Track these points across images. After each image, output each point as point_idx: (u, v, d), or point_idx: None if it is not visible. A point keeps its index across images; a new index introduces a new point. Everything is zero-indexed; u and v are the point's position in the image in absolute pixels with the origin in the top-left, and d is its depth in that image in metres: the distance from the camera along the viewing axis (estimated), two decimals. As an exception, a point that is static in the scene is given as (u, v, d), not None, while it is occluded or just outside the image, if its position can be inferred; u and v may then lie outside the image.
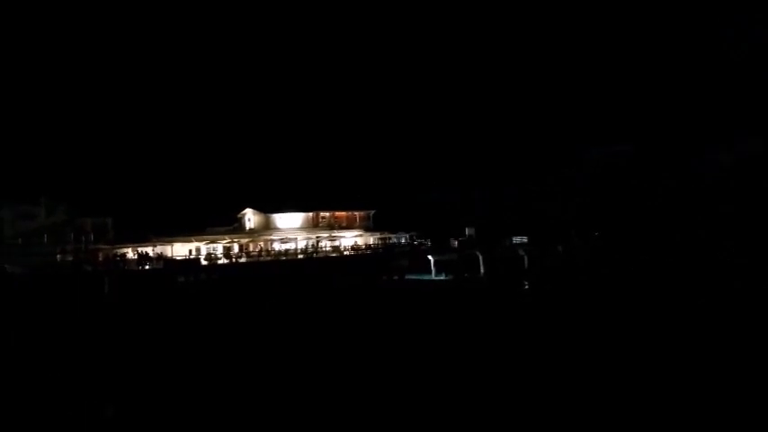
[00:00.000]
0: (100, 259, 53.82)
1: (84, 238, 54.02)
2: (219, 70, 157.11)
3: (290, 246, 64.68)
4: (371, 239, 68.50)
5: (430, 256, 60.13)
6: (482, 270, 55.17)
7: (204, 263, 56.39)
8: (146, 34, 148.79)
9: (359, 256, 63.52)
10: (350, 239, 67.49)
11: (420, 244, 66.06)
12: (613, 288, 34.46)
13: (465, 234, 65.33)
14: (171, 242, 59.18)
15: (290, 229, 67.05)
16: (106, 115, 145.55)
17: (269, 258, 61.07)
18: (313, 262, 59.54)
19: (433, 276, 58.10)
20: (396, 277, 58.37)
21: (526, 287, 42.35)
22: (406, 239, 68.91)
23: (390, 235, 69.15)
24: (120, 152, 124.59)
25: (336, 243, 66.60)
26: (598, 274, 43.30)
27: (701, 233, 63.57)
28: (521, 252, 56.76)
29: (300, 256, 62.09)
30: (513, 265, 54.00)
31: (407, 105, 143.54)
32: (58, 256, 50.69)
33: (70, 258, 51.46)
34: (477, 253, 56.84)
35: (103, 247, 55.83)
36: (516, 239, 61.07)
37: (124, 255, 55.91)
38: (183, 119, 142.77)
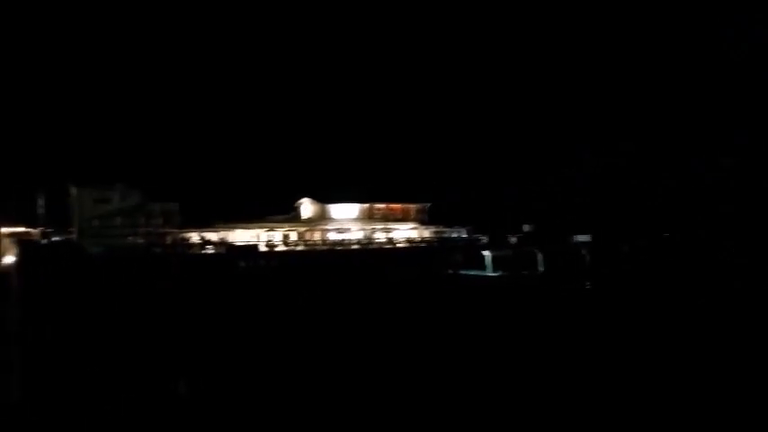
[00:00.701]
0: (167, 242, 56.41)
1: (153, 223, 56.83)
2: (281, 65, 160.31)
3: (345, 236, 65.63)
4: (426, 233, 68.51)
5: (486, 252, 59.57)
6: (540, 268, 54.29)
7: (263, 249, 58.02)
8: (210, 30, 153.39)
9: (413, 249, 63.66)
10: (404, 232, 67.76)
11: (476, 239, 65.51)
12: (683, 291, 33.33)
13: (522, 230, 64.36)
14: (232, 228, 61.24)
15: (346, 220, 67.99)
16: (177, 109, 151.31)
17: (324, 248, 62.23)
18: (367, 253, 60.15)
19: (488, 272, 57.55)
20: (450, 272, 58.15)
21: (588, 287, 41.39)
22: (461, 234, 68.49)
23: (445, 229, 68.89)
24: (188, 143, 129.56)
25: (391, 235, 67.03)
26: (665, 275, 41.95)
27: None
28: (582, 251, 55.53)
29: (355, 247, 62.90)
30: (573, 264, 52.76)
31: (465, 102, 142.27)
32: (130, 238, 53.46)
33: (141, 240, 54.21)
34: (536, 250, 55.96)
35: (171, 231, 58.45)
36: (578, 238, 59.68)
37: (189, 239, 58.36)
38: (248, 112, 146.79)
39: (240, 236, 60.75)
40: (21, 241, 46.10)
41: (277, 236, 62.92)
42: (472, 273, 57.10)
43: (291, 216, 67.52)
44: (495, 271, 57.20)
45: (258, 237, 61.45)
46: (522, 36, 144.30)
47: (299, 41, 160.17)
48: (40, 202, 56.04)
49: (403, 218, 70.40)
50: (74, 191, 60.28)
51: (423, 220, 70.08)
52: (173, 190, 62.44)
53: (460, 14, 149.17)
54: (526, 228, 65.05)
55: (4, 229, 75.29)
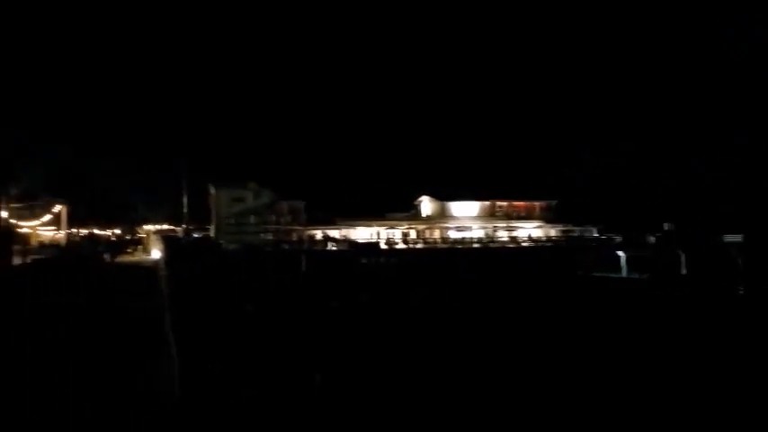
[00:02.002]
0: (294, 239, 58.91)
1: (282, 220, 59.75)
2: (402, 63, 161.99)
3: (466, 234, 64.44)
4: (552, 231, 65.33)
5: (620, 253, 55.44)
6: (684, 271, 49.38)
7: (384, 246, 58.56)
8: (326, 31, 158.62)
9: (538, 248, 61.01)
10: (528, 230, 65.12)
11: (608, 238, 61.27)
12: None
13: (663, 229, 59.03)
14: (354, 226, 62.54)
15: (466, 218, 66.69)
16: (302, 111, 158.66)
17: (444, 246, 61.56)
18: (488, 251, 58.51)
19: (623, 275, 53.49)
20: (580, 273, 54.80)
21: (741, 293, 36.76)
22: (591, 233, 64.43)
23: (574, 228, 65.15)
24: (312, 143, 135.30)
25: (514, 234, 64.76)
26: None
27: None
28: (733, 252, 49.70)
29: (476, 245, 61.56)
30: (722, 267, 47.32)
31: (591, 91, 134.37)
32: (261, 234, 56.59)
33: (270, 237, 57.16)
34: (679, 251, 51.00)
35: (297, 228, 61.03)
36: (729, 238, 53.58)
37: (314, 236, 60.52)
38: (368, 110, 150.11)
39: (361, 233, 61.88)
40: (166, 237, 50.20)
41: (397, 233, 63.30)
42: (605, 275, 53.42)
43: (411, 214, 67.54)
44: (630, 273, 53.08)
45: (378, 234, 62.20)
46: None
47: (415, 37, 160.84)
48: (184, 201, 60.93)
49: (527, 215, 67.68)
50: (213, 191, 64.97)
51: (549, 218, 66.82)
52: (299, 188, 64.93)
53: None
54: (666, 226, 59.57)
55: (153, 227, 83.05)
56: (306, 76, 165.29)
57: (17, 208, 46.92)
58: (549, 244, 62.40)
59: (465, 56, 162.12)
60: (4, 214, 33.67)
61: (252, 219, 59.76)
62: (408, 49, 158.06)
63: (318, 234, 60.88)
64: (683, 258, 50.05)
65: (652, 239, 56.75)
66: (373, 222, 62.85)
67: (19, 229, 50.06)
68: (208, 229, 69.37)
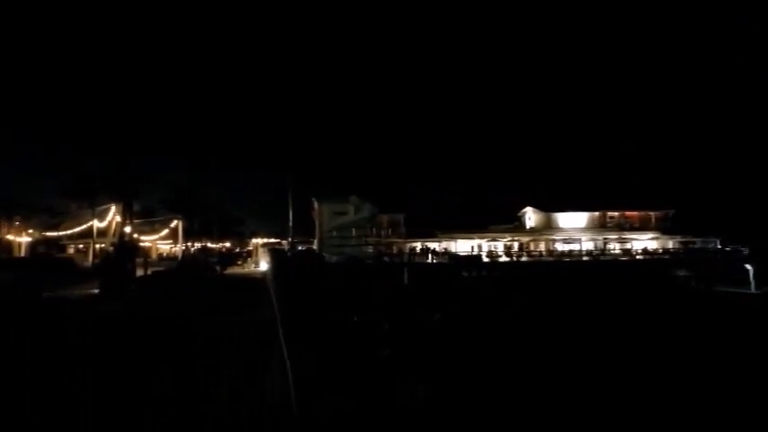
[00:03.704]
0: (394, 251, 58.92)
1: (382, 233, 60.07)
2: (507, 72, 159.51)
3: (574, 246, 61.30)
4: (670, 243, 60.55)
5: (748, 266, 50.35)
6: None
7: (486, 260, 57.03)
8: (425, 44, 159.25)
9: (654, 261, 56.80)
10: (643, 242, 60.79)
11: (734, 250, 55.81)
12: None
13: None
14: (455, 238, 61.48)
15: (574, 229, 63.44)
16: (400, 128, 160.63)
17: (550, 259, 58.91)
18: (599, 264, 55.22)
19: (752, 289, 48.47)
20: (702, 287, 50.30)
21: None
22: (713, 244, 59.04)
23: (694, 239, 59.99)
24: (413, 155, 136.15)
25: (627, 246, 60.71)
26: None
27: None
28: None
29: (585, 258, 58.35)
30: None
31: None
32: (362, 247, 57.21)
33: (370, 250, 57.58)
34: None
35: (397, 240, 61.02)
36: None
37: (414, 248, 60.24)
38: (468, 123, 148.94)
39: (462, 246, 60.72)
40: (272, 250, 51.99)
41: (499, 246, 61.50)
42: (730, 290, 48.66)
43: (514, 226, 65.38)
44: (759, 288, 48.08)
45: (480, 247, 60.75)
46: None
47: (522, 48, 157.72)
48: (290, 215, 63.09)
49: (641, 226, 63.23)
50: (316, 205, 66.81)
51: (665, 229, 62.02)
52: (399, 201, 64.97)
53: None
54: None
55: (260, 240, 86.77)
56: (407, 90, 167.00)
57: (139, 223, 50.67)
58: (666, 257, 57.92)
59: (567, 60, 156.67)
60: (128, 229, 36.21)
61: (353, 232, 60.56)
62: (509, 57, 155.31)
63: (418, 247, 60.54)
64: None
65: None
66: (474, 235, 61.44)
67: (141, 243, 54.13)
68: (311, 242, 71.28)
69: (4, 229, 48.97)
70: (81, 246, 61.33)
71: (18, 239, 54.84)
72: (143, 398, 8.69)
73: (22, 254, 54.73)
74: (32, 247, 58.52)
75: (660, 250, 59.56)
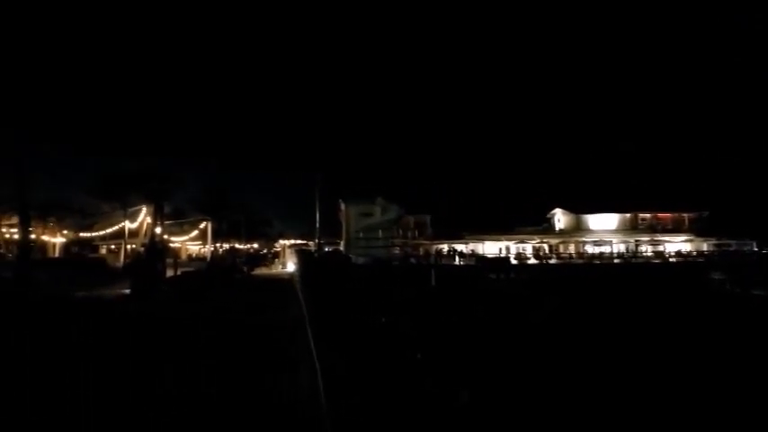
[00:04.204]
0: (420, 253, 58.68)
1: (408, 234, 59.88)
2: (527, 70, 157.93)
3: (605, 249, 60.22)
4: (704, 245, 59.02)
5: (788, 268, 48.73)
6: None
7: (514, 262, 56.36)
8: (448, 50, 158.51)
9: (688, 263, 55.40)
10: (676, 245, 59.38)
11: (772, 253, 54.21)
12: None
13: None
14: (482, 240, 60.93)
15: (604, 231, 62.32)
16: (426, 128, 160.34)
17: (580, 261, 57.94)
18: (631, 267, 54.09)
19: (791, 293, 46.78)
20: (737, 291, 48.80)
21: None
22: (751, 247, 57.37)
23: (729, 241, 58.37)
24: (438, 156, 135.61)
25: (659, 248, 59.39)
26: None
27: None
28: None
29: (616, 261, 57.27)
30: None
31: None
32: (389, 249, 57.10)
33: (397, 251, 57.45)
34: None
35: (423, 242, 60.77)
36: None
37: (441, 250, 59.87)
38: (494, 122, 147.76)
39: (489, 247, 60.14)
40: (300, 251, 52.24)
41: (528, 248, 60.75)
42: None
43: (543, 227, 64.51)
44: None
45: (507, 249, 60.08)
46: None
47: (546, 47, 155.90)
48: (317, 217, 63.41)
49: (674, 228, 61.77)
50: (343, 206, 66.93)
51: (699, 231, 60.47)
52: (425, 202, 64.65)
53: None
54: None
55: (287, 241, 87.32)
56: (433, 91, 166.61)
57: (169, 224, 51.36)
58: (700, 260, 56.44)
59: (599, 60, 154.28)
60: (159, 230, 36.67)
61: (380, 233, 60.49)
62: (541, 57, 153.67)
63: (445, 248, 60.15)
64: None
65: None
66: (502, 236, 60.81)
67: (171, 244, 54.89)
68: (338, 244, 71.42)
69: (39, 230, 50.16)
70: (113, 246, 62.51)
71: (52, 240, 56.13)
72: (179, 397, 8.70)
73: (56, 254, 56.00)
74: (66, 247, 59.85)
75: (694, 253, 58.10)
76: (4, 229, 49.39)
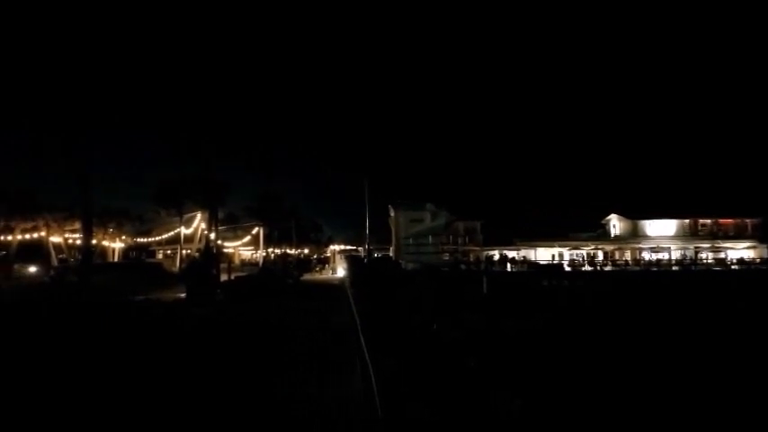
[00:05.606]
0: (471, 259, 58.06)
1: (458, 240, 59.40)
2: (602, 77, 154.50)
3: (662, 255, 58.01)
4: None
5: None
6: None
7: (567, 268, 54.99)
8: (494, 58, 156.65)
9: (751, 271, 52.69)
10: (739, 251, 56.62)
11: None
12: None
13: None
14: (534, 246, 59.77)
15: (662, 238, 60.06)
16: (477, 132, 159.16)
17: (637, 268, 55.99)
18: (692, 275, 51.78)
19: None
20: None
21: None
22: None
23: (798, 248, 55.33)
24: (490, 160, 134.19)
25: (721, 255, 56.77)
26: None
27: None
28: None
29: (675, 268, 55.02)
30: None
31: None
32: (439, 255, 56.82)
33: (446, 257, 57.08)
34: None
35: (473, 248, 60.12)
36: None
37: (491, 256, 59.06)
38: (546, 125, 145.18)
39: (541, 254, 58.95)
40: (349, 257, 52.63)
41: (582, 254, 59.21)
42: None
43: (598, 233, 62.71)
44: None
45: (561, 255, 58.73)
46: None
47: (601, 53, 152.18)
48: (366, 222, 63.78)
49: (736, 234, 58.94)
50: (392, 212, 67.03)
51: (763, 237, 57.50)
52: (475, 207, 63.85)
53: None
54: None
55: (337, 247, 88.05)
56: (486, 96, 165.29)
57: (223, 230, 52.66)
58: (764, 267, 53.60)
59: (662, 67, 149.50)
60: (213, 236, 37.59)
61: (429, 239, 60.26)
62: (604, 63, 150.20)
63: (496, 254, 59.31)
64: None
65: None
66: (555, 243, 59.48)
67: (224, 249, 56.25)
68: (388, 249, 71.53)
69: (100, 236, 52.31)
70: (169, 251, 64.59)
71: (112, 245, 58.49)
72: (258, 397, 9.01)
73: (116, 259, 58.33)
74: (125, 252, 62.23)
75: (758, 260, 55.25)
76: (67, 235, 51.74)
